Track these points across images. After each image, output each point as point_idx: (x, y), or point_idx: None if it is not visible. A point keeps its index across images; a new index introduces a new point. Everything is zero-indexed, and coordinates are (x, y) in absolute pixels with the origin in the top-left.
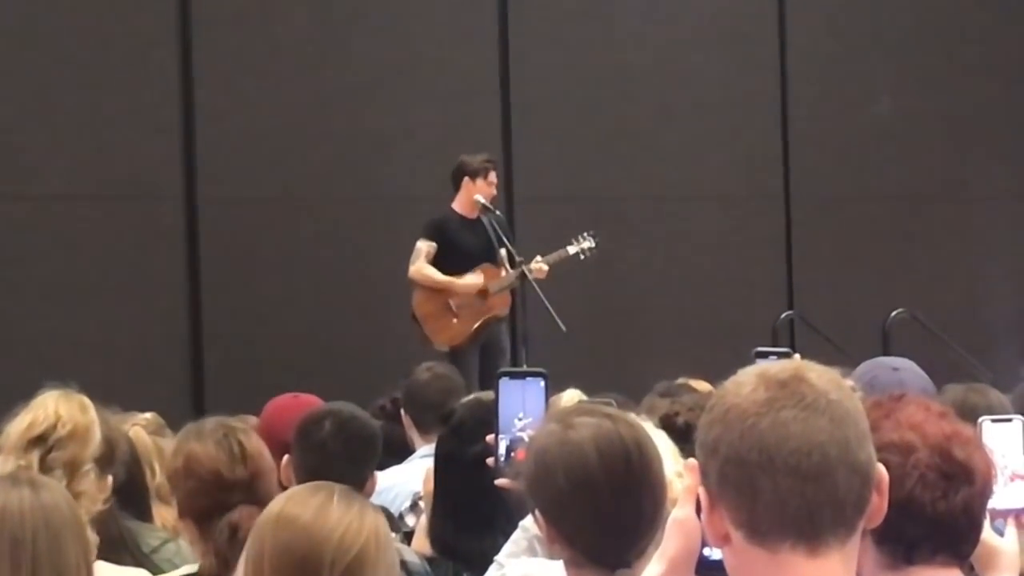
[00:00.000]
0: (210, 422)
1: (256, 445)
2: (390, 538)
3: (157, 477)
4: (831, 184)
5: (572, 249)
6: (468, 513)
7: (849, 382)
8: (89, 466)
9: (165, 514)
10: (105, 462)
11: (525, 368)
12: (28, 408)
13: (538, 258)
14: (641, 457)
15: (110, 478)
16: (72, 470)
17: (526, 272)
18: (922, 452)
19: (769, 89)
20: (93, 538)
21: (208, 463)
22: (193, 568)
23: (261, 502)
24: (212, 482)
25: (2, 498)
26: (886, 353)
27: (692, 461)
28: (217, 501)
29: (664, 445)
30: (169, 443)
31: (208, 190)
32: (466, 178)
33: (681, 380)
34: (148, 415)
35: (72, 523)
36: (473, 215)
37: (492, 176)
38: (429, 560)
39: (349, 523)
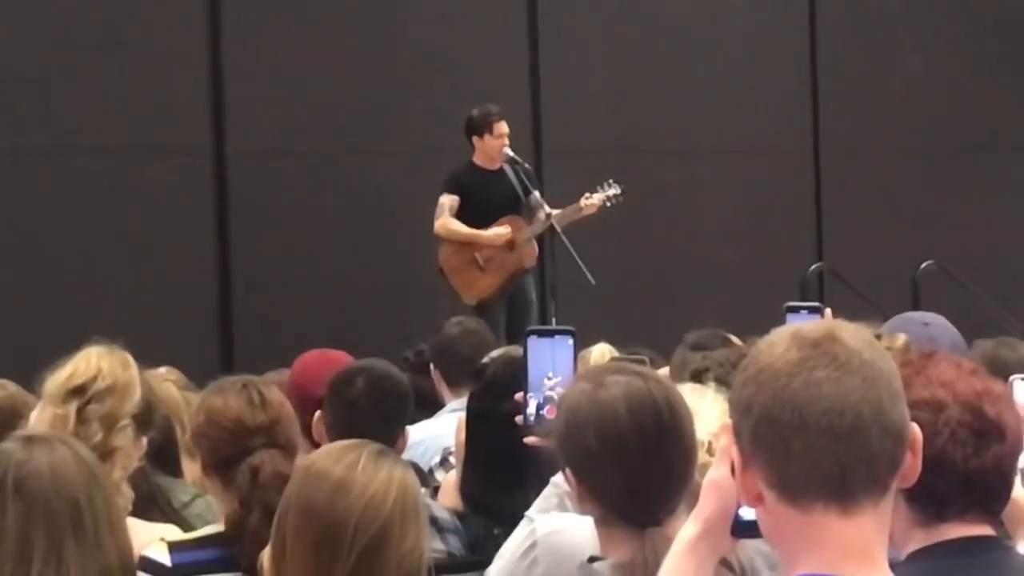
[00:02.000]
0: (229, 378)
1: (276, 395)
2: (421, 500)
3: (187, 432)
4: (861, 136)
5: (598, 197)
6: (500, 470)
7: (903, 336)
8: (126, 422)
9: (195, 469)
10: (143, 422)
11: (554, 326)
12: (71, 360)
13: (587, 194)
14: (672, 416)
15: (145, 439)
16: (109, 424)
17: (554, 223)
18: (953, 409)
19: (799, 41)
20: (128, 493)
21: (229, 412)
22: (219, 527)
23: (282, 447)
24: (234, 430)
25: (47, 459)
26: (915, 305)
27: (727, 421)
28: (240, 448)
29: (712, 407)
30: (197, 397)
31: (237, 143)
32: (474, 136)
33: (710, 330)
34: (163, 370)
35: (104, 477)
36: (494, 166)
37: (499, 128)
38: (460, 516)
39: (375, 492)
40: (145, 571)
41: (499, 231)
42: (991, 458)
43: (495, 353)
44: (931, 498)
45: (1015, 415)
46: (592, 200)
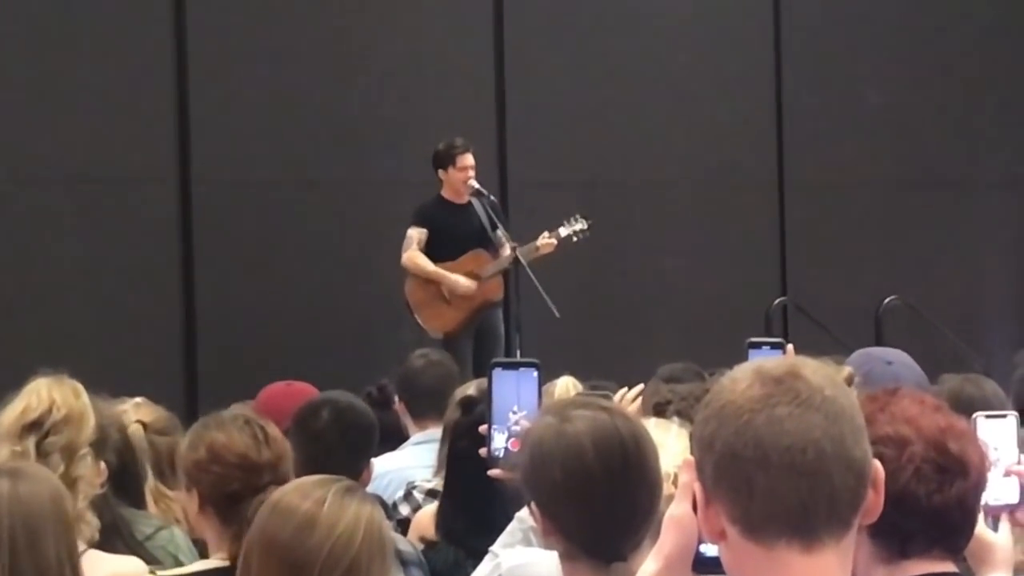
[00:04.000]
0: (226, 414)
1: (276, 431)
2: (386, 538)
3: (149, 479)
4: (825, 170)
5: (565, 231)
6: (481, 508)
7: (848, 368)
8: (86, 450)
9: (155, 504)
10: (99, 448)
11: (518, 359)
12: (21, 395)
13: (545, 233)
14: (637, 451)
15: (103, 464)
16: (69, 454)
17: (519, 257)
18: (917, 445)
19: (764, 75)
20: (94, 522)
21: (235, 448)
22: (223, 562)
23: (286, 483)
24: (240, 465)
25: None
26: (879, 340)
27: (688, 457)
28: (246, 484)
29: (676, 442)
30: (178, 439)
31: (202, 173)
32: (440, 170)
33: (683, 364)
34: (140, 399)
35: (54, 515)
36: (462, 200)
37: (462, 160)
38: (431, 544)
39: (342, 531)
40: None
41: (461, 280)
42: (955, 494)
43: (471, 387)
44: (895, 534)
45: (978, 452)
46: (549, 240)
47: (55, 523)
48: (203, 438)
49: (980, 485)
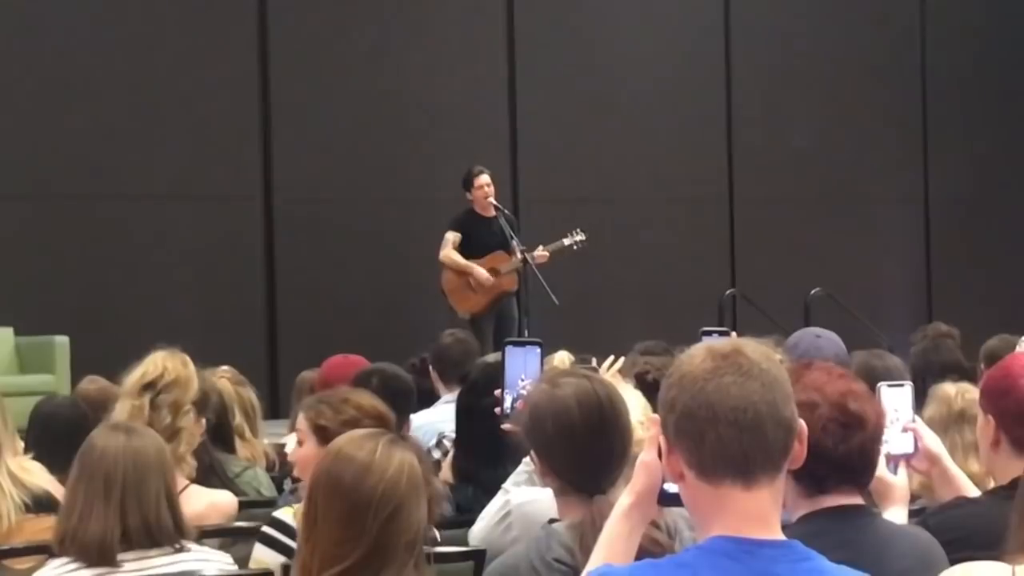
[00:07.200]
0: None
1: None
2: (422, 479)
3: (236, 418)
4: (765, 189)
5: (567, 241)
6: (483, 451)
7: (779, 354)
8: (189, 407)
9: (242, 448)
10: (201, 407)
11: (526, 338)
12: (142, 363)
13: (540, 247)
14: (612, 408)
15: (204, 420)
16: (175, 410)
17: (528, 258)
18: (824, 408)
19: (719, 116)
20: (193, 463)
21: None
22: None
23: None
24: (377, 420)
25: (102, 443)
26: (806, 322)
27: (654, 415)
28: None
29: (636, 400)
30: (248, 391)
31: (282, 191)
32: (466, 190)
33: (655, 342)
34: (226, 367)
35: (157, 464)
36: (488, 213)
37: (478, 181)
38: (453, 487)
39: (391, 475)
40: (274, 527)
41: (485, 274)
42: (856, 444)
43: (490, 358)
44: (811, 477)
45: (875, 409)
46: (543, 252)
47: (157, 470)
48: (349, 403)
49: (877, 435)
